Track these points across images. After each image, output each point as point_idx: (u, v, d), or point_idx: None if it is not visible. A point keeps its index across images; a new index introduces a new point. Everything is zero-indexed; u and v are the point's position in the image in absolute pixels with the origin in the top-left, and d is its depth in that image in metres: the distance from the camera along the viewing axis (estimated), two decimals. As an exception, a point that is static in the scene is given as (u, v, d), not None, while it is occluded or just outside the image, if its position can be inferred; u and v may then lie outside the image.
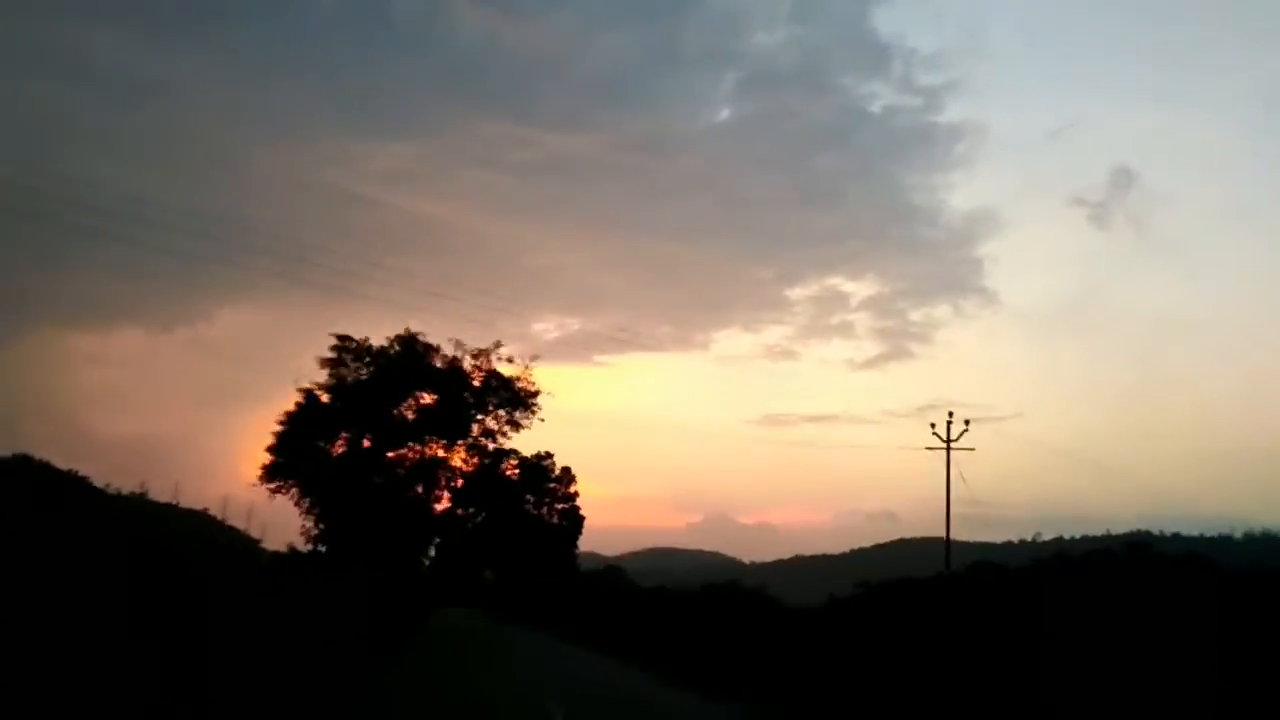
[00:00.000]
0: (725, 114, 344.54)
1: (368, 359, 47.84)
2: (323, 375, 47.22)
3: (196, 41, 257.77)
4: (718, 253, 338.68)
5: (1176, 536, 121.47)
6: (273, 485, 45.20)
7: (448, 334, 62.63)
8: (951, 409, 60.81)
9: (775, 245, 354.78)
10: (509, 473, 58.67)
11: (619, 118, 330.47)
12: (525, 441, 58.55)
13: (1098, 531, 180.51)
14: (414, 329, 49.55)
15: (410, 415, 49.01)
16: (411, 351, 48.63)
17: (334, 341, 47.98)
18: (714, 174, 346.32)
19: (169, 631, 11.42)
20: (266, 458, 45.64)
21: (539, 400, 50.72)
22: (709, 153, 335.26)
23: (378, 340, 48.78)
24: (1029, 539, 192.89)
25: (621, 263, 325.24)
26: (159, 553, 14.18)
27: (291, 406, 45.91)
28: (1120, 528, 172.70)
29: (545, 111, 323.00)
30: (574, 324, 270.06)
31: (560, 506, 71.70)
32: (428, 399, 49.29)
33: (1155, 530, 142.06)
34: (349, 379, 47.14)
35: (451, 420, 49.46)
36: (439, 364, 49.59)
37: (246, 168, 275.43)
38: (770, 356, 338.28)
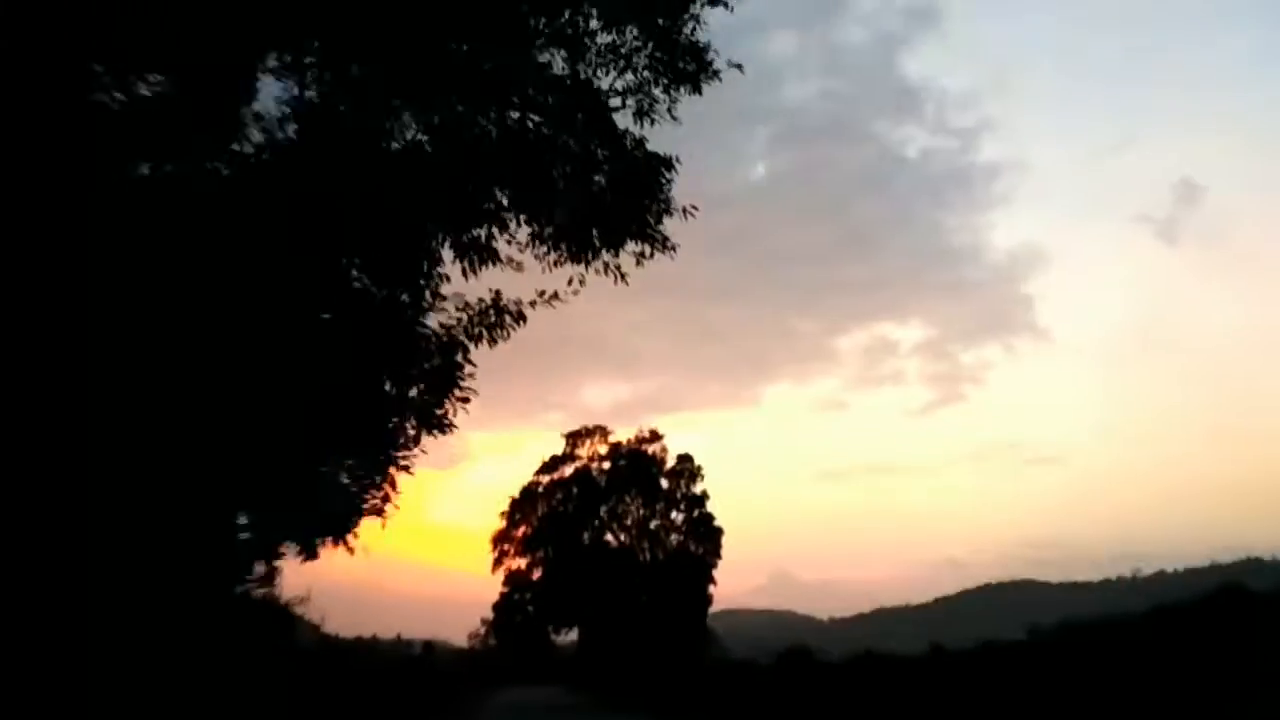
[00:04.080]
0: (760, 170, 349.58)
1: None
2: None
3: None
4: (761, 308, 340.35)
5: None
6: None
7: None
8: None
9: (818, 297, 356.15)
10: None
11: None
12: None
13: (1201, 562, 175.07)
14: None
15: None
16: None
17: None
18: (752, 230, 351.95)
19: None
20: None
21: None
22: (746, 209, 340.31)
23: None
24: (1127, 575, 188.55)
25: (665, 324, 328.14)
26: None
27: None
28: (1223, 556, 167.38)
29: None
30: (622, 389, 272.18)
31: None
32: None
33: (1267, 557, 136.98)
34: None
35: None
36: None
37: None
38: (821, 408, 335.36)
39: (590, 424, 54.80)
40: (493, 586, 54.15)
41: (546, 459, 54.49)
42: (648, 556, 53.19)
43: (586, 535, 53.85)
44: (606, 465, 54.28)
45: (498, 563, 53.41)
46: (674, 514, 53.74)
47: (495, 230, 10.09)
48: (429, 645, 68.31)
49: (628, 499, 53.88)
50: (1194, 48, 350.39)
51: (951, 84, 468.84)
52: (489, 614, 54.91)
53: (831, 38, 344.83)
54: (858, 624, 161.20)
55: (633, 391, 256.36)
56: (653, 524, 53.58)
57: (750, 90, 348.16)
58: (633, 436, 54.57)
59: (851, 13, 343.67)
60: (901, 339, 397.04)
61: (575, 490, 53.80)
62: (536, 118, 9.92)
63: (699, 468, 54.28)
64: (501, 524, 53.91)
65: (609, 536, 53.80)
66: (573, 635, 56.14)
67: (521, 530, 54.00)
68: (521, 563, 53.78)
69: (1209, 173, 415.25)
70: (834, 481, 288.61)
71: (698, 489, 53.99)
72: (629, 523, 53.76)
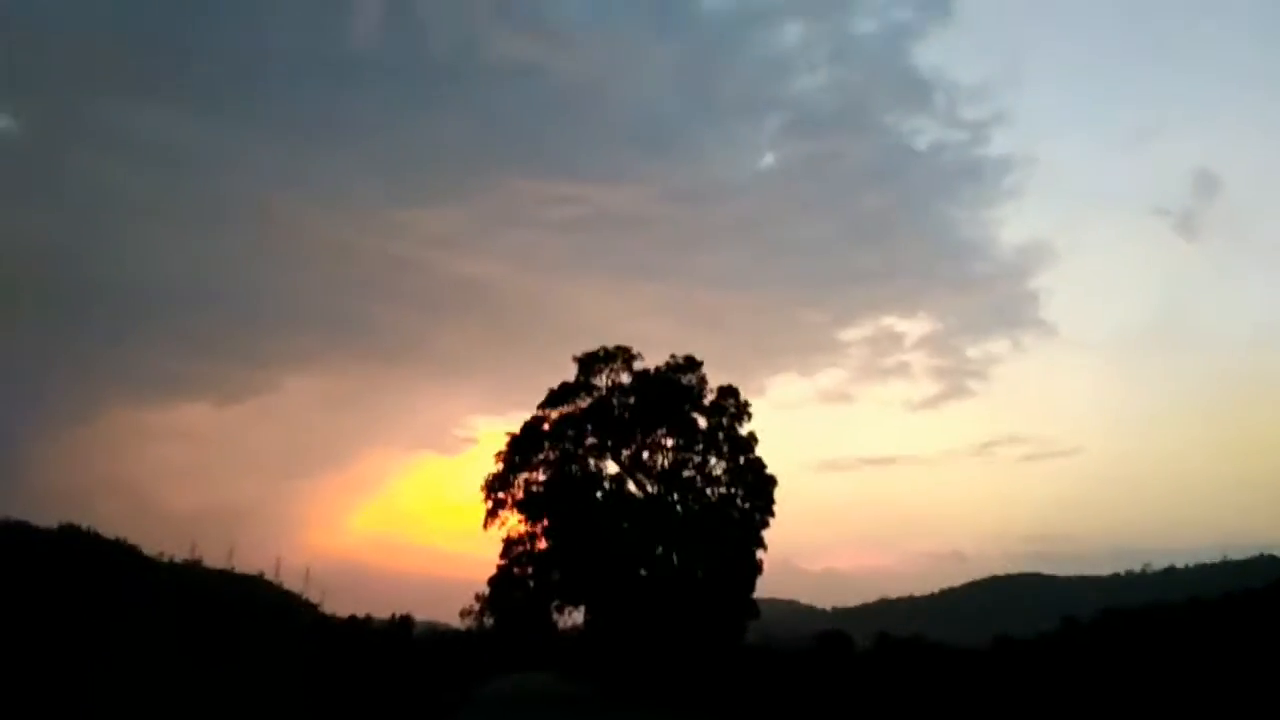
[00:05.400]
0: (769, 159, 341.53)
1: None
2: None
3: (244, 113, 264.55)
4: (767, 298, 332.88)
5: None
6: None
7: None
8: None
9: (825, 288, 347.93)
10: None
11: (661, 169, 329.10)
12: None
13: (1212, 558, 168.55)
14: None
15: None
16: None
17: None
18: (760, 220, 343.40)
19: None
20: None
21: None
22: (754, 199, 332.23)
23: None
24: (1135, 570, 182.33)
25: (670, 312, 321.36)
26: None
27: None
28: (1234, 553, 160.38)
29: (587, 167, 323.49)
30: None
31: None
32: None
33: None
34: None
35: None
36: None
37: (293, 238, 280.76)
38: (826, 400, 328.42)
39: (611, 344, 43.81)
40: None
41: (555, 388, 43.48)
42: (680, 511, 42.44)
43: (604, 485, 43.11)
44: (631, 399, 43.42)
45: (491, 515, 42.40)
46: (713, 459, 42.96)
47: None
48: (406, 620, 57.93)
49: (656, 439, 43.11)
50: (1213, 38, 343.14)
51: (964, 76, 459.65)
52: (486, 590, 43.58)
53: (842, 28, 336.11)
54: (862, 614, 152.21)
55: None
56: (687, 471, 42.80)
57: (759, 80, 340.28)
58: (663, 363, 43.80)
59: (863, 3, 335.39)
60: (907, 332, 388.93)
61: (590, 427, 42.95)
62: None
63: (746, 404, 43.54)
64: (497, 467, 42.97)
65: (631, 486, 42.97)
66: (579, 616, 44.94)
67: (523, 478, 43.10)
68: (519, 521, 42.79)
69: (1228, 165, 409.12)
70: (837, 472, 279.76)
71: (744, 430, 43.33)
72: (657, 469, 42.98)
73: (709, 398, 43.27)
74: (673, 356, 43.51)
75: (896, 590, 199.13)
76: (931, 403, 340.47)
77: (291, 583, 37.41)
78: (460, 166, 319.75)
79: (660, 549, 42.33)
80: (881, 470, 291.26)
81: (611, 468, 43.15)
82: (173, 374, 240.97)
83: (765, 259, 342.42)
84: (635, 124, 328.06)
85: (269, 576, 35.35)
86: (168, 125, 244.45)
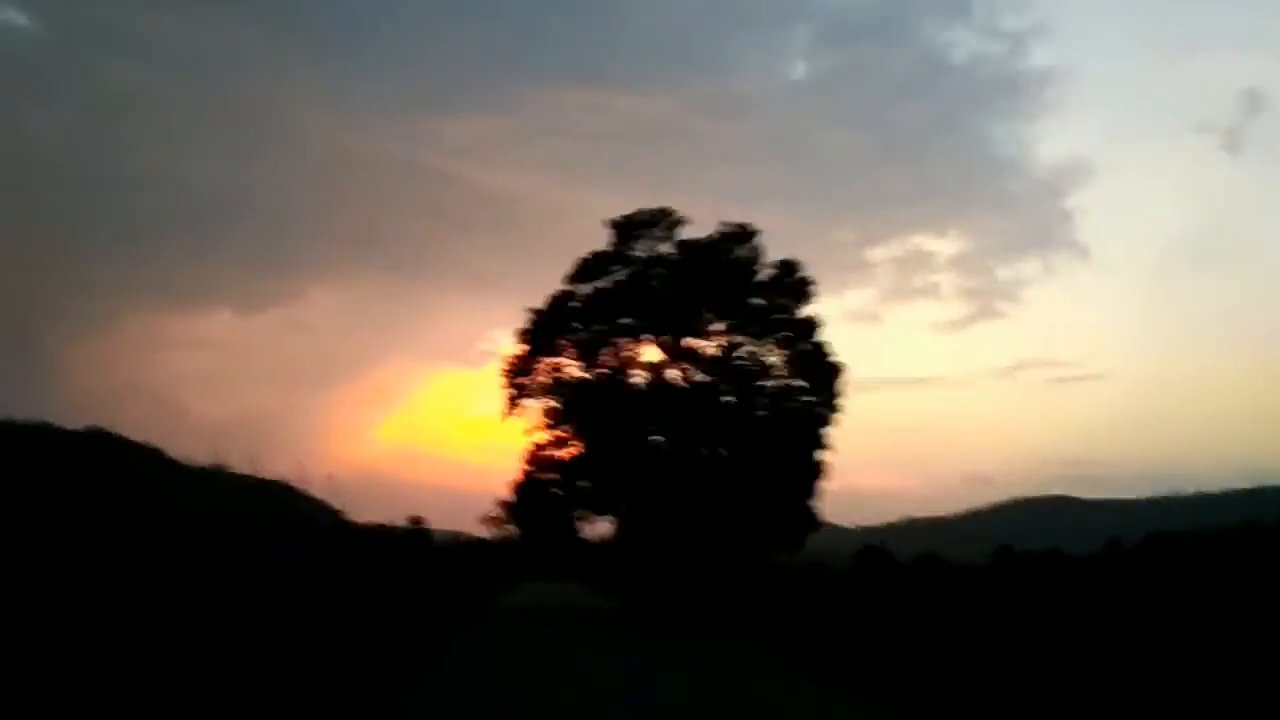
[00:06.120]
0: (800, 70, 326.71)
1: None
2: None
3: (265, 20, 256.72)
4: (795, 215, 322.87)
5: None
6: None
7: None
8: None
9: (854, 206, 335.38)
10: None
11: (689, 79, 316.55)
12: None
13: (1244, 484, 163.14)
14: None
15: None
16: None
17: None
18: (789, 134, 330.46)
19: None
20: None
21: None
22: (783, 112, 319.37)
23: None
24: (1165, 495, 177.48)
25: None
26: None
27: None
28: (1267, 480, 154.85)
29: (615, 76, 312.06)
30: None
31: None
32: None
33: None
34: None
35: None
36: None
37: (317, 146, 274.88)
38: (852, 320, 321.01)
39: (652, 206, 37.20)
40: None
41: (587, 256, 37.09)
42: (729, 402, 36.46)
43: (640, 372, 37.14)
44: (673, 274, 36.99)
45: (512, 404, 36.66)
46: (768, 344, 36.77)
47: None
48: (418, 522, 53.25)
49: (703, 320, 36.90)
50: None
51: None
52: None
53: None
54: (887, 533, 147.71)
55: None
56: (738, 357, 36.71)
57: None
58: (712, 232, 37.26)
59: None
60: (937, 251, 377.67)
61: (625, 304, 36.78)
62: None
63: (808, 281, 37.12)
64: (519, 350, 37.02)
65: (673, 374, 36.98)
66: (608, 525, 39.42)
67: (547, 364, 37.19)
68: (543, 418, 37.03)
69: (1277, 83, 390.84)
70: (863, 393, 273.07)
71: (804, 311, 36.99)
72: (704, 355, 36.91)
73: (765, 274, 36.87)
74: (723, 223, 37.02)
75: (921, 511, 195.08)
76: (960, 324, 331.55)
77: (315, 489, 35.82)
78: (488, 75, 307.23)
79: (705, 448, 36.63)
80: (907, 391, 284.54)
81: (650, 353, 37.13)
82: (195, 281, 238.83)
83: (793, 175, 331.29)
84: (665, 32, 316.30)
85: (292, 483, 33.88)
86: (189, 30, 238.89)
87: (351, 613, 16.43)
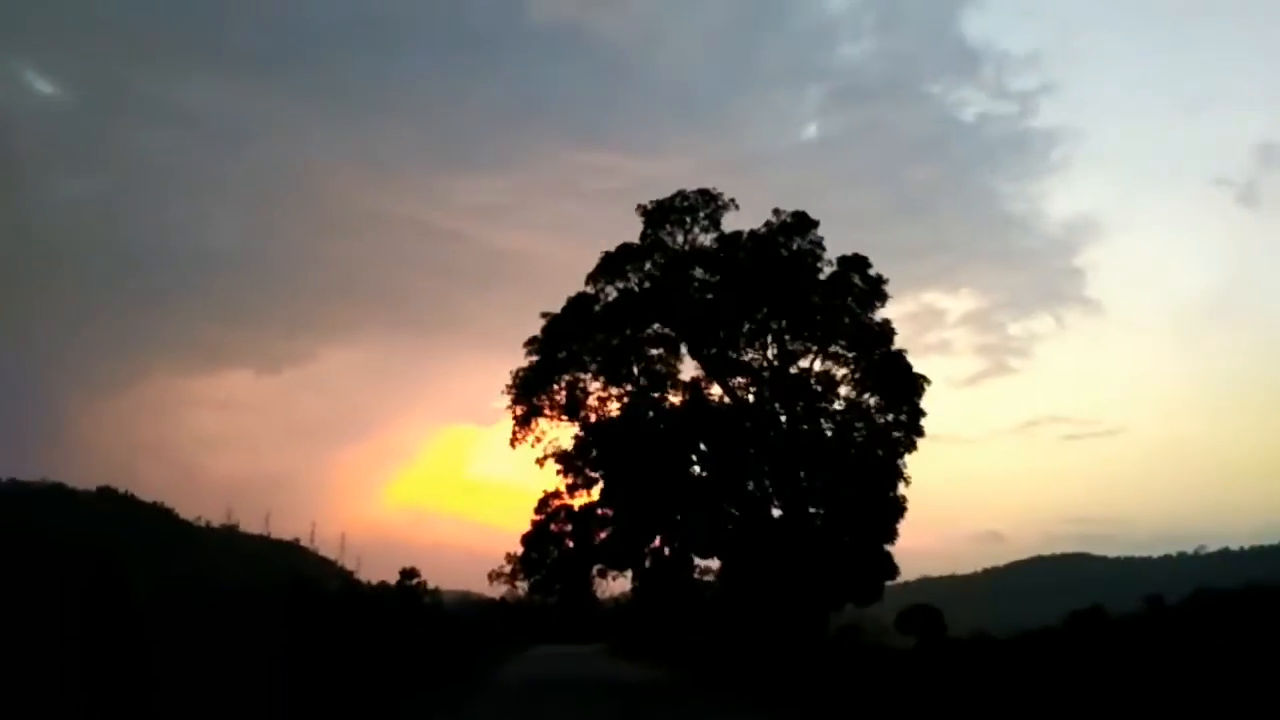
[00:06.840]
0: (812, 130, 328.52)
1: None
2: None
3: (285, 83, 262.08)
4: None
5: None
6: None
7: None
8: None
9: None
10: None
11: (701, 139, 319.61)
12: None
13: (1269, 540, 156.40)
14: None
15: None
16: None
17: None
18: (801, 191, 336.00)
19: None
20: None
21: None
22: (796, 170, 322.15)
23: None
24: (1187, 552, 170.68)
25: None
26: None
27: None
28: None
29: (626, 137, 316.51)
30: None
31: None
32: None
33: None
34: None
35: None
36: None
37: (341, 207, 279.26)
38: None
39: (687, 188, 30.96)
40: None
41: (612, 250, 30.73)
42: (785, 424, 29.85)
43: (674, 389, 30.62)
44: (716, 272, 30.70)
45: (522, 425, 29.99)
46: (834, 351, 30.35)
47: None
48: (410, 574, 47.16)
49: (752, 326, 30.50)
50: (1271, 2, 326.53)
51: (1013, 45, 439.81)
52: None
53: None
54: (904, 593, 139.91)
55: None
56: (796, 369, 30.27)
57: (804, 48, 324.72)
58: (763, 224, 31.03)
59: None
60: (950, 308, 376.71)
61: (657, 307, 30.38)
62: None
63: (880, 279, 30.78)
64: (528, 361, 30.44)
65: (715, 390, 30.48)
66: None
67: (563, 382, 30.64)
68: (558, 458, 30.43)
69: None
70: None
71: (879, 316, 30.65)
72: (754, 367, 30.45)
73: (827, 271, 30.63)
74: (776, 212, 30.82)
75: (937, 569, 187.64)
76: (973, 380, 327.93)
77: (326, 550, 34.71)
78: (500, 136, 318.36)
79: (752, 482, 29.93)
80: (922, 447, 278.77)
81: (688, 366, 30.70)
82: (215, 342, 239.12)
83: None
84: (675, 93, 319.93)
85: (304, 542, 34.16)
86: (210, 94, 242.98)
87: (349, 680, 16.08)
